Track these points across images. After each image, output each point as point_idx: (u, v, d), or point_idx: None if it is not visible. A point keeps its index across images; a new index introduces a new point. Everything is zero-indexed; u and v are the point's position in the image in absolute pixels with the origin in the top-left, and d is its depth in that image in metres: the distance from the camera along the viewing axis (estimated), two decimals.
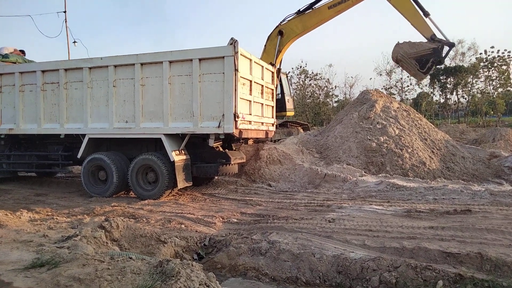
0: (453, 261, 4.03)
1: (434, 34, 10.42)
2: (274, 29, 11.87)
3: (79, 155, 8.84)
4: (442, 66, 35.56)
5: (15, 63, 10.32)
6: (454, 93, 37.55)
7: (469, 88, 36.65)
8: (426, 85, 37.89)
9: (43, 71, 9.17)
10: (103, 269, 3.02)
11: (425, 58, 10.60)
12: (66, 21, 20.20)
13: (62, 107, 8.95)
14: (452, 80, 35.90)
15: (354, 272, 3.97)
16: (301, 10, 11.52)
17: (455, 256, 4.06)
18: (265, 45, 12.02)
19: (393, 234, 5.00)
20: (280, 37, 11.81)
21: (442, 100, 39.49)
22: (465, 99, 38.07)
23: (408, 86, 38.24)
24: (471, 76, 35.56)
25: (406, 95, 38.83)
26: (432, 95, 38.70)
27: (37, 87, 9.20)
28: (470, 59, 36.37)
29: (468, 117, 38.37)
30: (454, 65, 35.97)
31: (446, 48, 10.58)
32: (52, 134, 9.32)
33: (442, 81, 36.33)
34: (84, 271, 2.99)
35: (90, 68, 8.62)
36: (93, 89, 8.64)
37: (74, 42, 21.14)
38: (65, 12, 20.28)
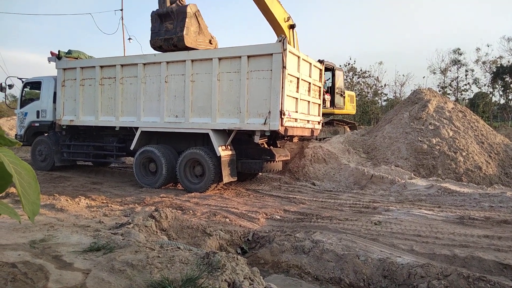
0: (510, 274, 3.78)
1: None
2: None
3: (132, 147, 9.31)
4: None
5: (77, 58, 10.98)
6: None
7: None
8: (485, 85, 35.47)
9: (101, 67, 9.73)
10: (154, 257, 3.17)
11: None
12: (122, 19, 21.36)
13: (118, 101, 9.44)
14: None
15: (401, 277, 3.84)
16: None
17: None
18: None
19: (444, 241, 4.78)
20: None
21: (502, 101, 36.75)
22: None
23: (464, 85, 35.98)
24: None
25: (461, 94, 36.54)
26: (491, 95, 36.12)
27: (96, 81, 9.78)
28: None
29: None
30: None
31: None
32: (108, 126, 9.87)
33: (505, 80, 33.76)
34: (136, 258, 3.17)
35: (144, 64, 9.01)
36: (146, 84, 9.04)
37: (129, 39, 22.23)
38: (121, 10, 21.37)
